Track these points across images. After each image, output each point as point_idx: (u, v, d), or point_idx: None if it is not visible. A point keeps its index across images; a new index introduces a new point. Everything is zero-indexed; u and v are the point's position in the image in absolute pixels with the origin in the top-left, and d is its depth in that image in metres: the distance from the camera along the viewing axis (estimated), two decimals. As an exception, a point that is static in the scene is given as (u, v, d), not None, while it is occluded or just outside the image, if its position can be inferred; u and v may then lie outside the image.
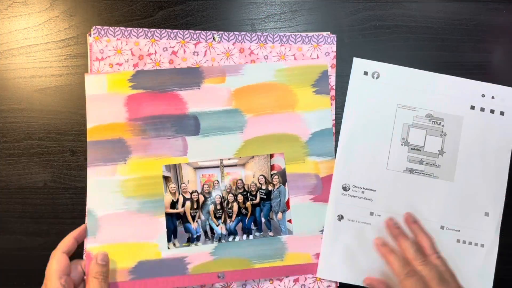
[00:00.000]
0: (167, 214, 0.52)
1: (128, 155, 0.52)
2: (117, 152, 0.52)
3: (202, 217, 0.52)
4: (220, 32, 0.54)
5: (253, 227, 0.53)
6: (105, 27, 0.54)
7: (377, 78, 0.54)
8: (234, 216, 0.53)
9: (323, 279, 0.52)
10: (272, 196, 0.53)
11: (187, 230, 0.52)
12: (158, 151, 0.52)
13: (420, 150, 0.53)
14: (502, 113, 0.54)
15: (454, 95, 0.54)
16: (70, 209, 0.53)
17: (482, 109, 0.54)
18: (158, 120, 0.52)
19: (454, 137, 0.54)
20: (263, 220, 0.53)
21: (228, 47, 0.54)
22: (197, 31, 0.54)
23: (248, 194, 0.53)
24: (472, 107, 0.54)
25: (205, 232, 0.52)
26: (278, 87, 0.53)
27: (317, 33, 0.55)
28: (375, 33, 0.56)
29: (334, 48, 0.55)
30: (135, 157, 0.52)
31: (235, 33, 0.55)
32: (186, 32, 0.54)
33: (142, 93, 0.53)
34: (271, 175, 0.53)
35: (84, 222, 0.52)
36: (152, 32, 0.54)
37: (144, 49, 0.54)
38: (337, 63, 0.55)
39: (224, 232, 0.52)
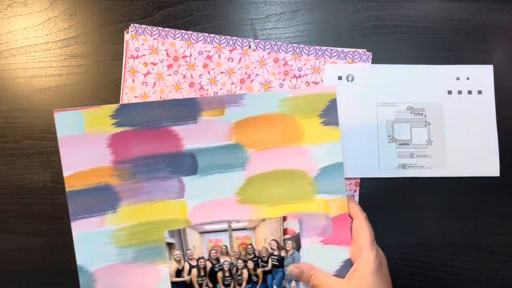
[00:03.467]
0: (173, 283, 0.48)
1: (118, 203, 0.47)
2: (104, 200, 0.46)
3: (210, 285, 0.48)
4: (256, 41, 0.54)
5: None
6: (143, 26, 0.54)
7: (351, 81, 0.54)
8: (244, 283, 0.49)
9: None
10: (285, 262, 0.48)
11: None
12: (151, 195, 0.47)
13: (408, 144, 0.54)
14: (479, 92, 0.54)
15: (430, 84, 0.54)
16: (70, 209, 0.53)
17: (460, 92, 0.54)
18: (150, 160, 0.47)
19: (438, 124, 0.54)
20: None
21: (263, 56, 0.54)
22: (234, 38, 0.54)
23: (259, 260, 0.49)
24: (449, 92, 0.54)
25: None
26: (282, 118, 0.49)
27: (353, 50, 0.55)
28: (375, 33, 0.56)
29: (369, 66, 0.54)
30: (126, 204, 0.47)
31: (271, 42, 0.54)
32: (223, 37, 0.54)
33: (129, 131, 0.47)
34: (284, 240, 0.49)
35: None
36: (189, 35, 0.54)
37: (179, 51, 0.54)
38: (337, 63, 0.55)
39: None
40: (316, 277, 0.46)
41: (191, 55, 0.54)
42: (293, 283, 0.49)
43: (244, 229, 0.49)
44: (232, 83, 0.54)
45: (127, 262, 0.47)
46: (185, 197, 0.48)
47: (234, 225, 0.49)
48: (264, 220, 0.49)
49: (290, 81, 0.55)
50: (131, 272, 0.47)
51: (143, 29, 0.54)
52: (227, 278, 0.49)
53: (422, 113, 0.54)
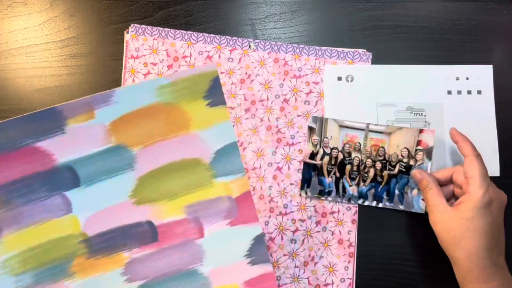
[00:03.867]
0: (305, 163, 0.51)
1: None
2: None
3: (337, 174, 0.52)
4: (256, 41, 0.54)
5: (385, 196, 0.52)
6: (143, 26, 0.54)
7: (351, 81, 0.54)
8: (368, 181, 0.52)
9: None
10: (411, 171, 0.52)
11: (320, 182, 0.52)
12: (34, 218, 0.45)
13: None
14: (479, 92, 0.54)
15: (429, 84, 0.54)
16: (70, 209, 0.53)
17: (459, 92, 0.54)
18: (20, 184, 0.45)
19: (438, 124, 0.54)
20: (396, 192, 0.52)
21: (263, 56, 0.54)
22: (234, 38, 0.54)
23: (387, 163, 0.52)
24: (449, 92, 0.54)
25: (337, 189, 0.52)
26: (164, 107, 0.47)
27: (352, 50, 0.55)
28: (375, 33, 0.56)
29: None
30: (8, 233, 0.45)
31: (271, 42, 0.54)
32: (223, 37, 0.54)
33: None
34: (416, 150, 0.51)
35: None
36: (189, 35, 0.54)
37: (179, 51, 0.54)
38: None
39: (356, 194, 0.52)
40: (430, 190, 0.46)
41: (191, 55, 0.54)
42: (414, 191, 0.51)
43: (381, 132, 0.51)
44: (232, 83, 0.54)
45: (28, 287, 0.45)
46: (74, 211, 0.46)
47: (372, 127, 0.51)
48: (401, 128, 0.50)
49: (290, 81, 0.55)
50: None
51: (143, 29, 0.54)
52: (354, 172, 0.52)
53: (422, 113, 0.54)
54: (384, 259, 0.53)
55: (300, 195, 0.52)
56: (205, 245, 0.47)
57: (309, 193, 0.52)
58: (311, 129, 0.52)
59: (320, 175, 0.52)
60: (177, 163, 0.47)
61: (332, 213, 0.53)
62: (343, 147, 0.53)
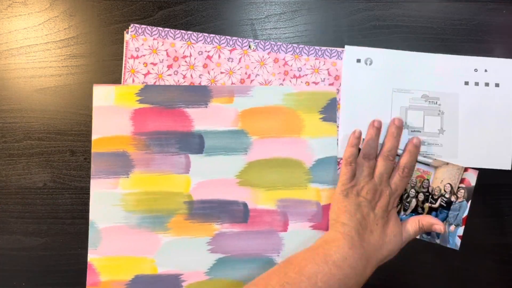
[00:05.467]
0: None
1: (131, 169, 0.52)
2: (120, 165, 0.52)
3: None
4: (256, 41, 0.54)
5: None
6: (143, 26, 0.54)
7: (370, 64, 0.54)
8: (409, 211, 0.53)
9: None
10: (452, 207, 0.53)
11: None
12: (160, 167, 0.52)
13: (420, 132, 0.54)
14: (497, 85, 0.54)
15: (447, 73, 0.54)
16: (70, 209, 0.53)
17: (477, 84, 0.54)
18: (162, 135, 0.52)
19: (452, 114, 0.54)
20: None
21: (263, 56, 0.54)
22: (234, 38, 0.54)
23: (430, 196, 0.53)
24: (466, 83, 0.54)
25: None
26: (285, 111, 0.53)
27: None
28: (375, 33, 0.56)
29: None
30: (138, 172, 0.52)
31: (271, 42, 0.55)
32: (223, 37, 0.54)
33: (149, 108, 0.53)
34: (458, 187, 0.53)
35: (83, 223, 0.53)
36: (189, 35, 0.54)
37: (179, 51, 0.54)
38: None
39: None
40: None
41: (191, 55, 0.54)
42: (452, 227, 0.52)
43: (428, 164, 0.53)
44: (232, 83, 0.54)
45: (131, 227, 0.52)
46: (190, 173, 0.52)
47: (420, 158, 0.53)
48: (447, 164, 0.53)
49: (290, 81, 0.54)
50: (133, 237, 0.51)
51: (143, 29, 0.54)
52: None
53: (436, 102, 0.54)
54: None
55: None
56: (285, 239, 0.52)
57: None
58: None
59: None
60: (283, 160, 0.53)
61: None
62: None
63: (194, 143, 0.53)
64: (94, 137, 0.52)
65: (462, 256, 0.53)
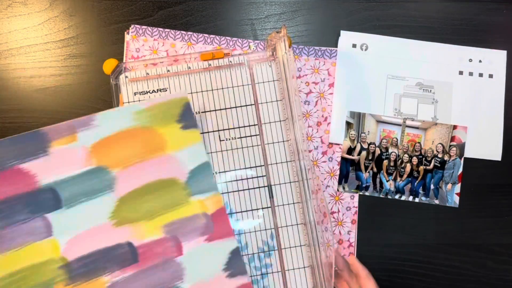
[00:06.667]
0: (343, 158, 0.53)
1: None
2: None
3: (374, 169, 0.54)
4: (256, 41, 0.54)
5: (421, 191, 0.54)
6: (143, 27, 0.54)
7: (365, 50, 0.55)
8: (405, 176, 0.54)
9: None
10: (446, 166, 0.54)
11: (358, 177, 0.54)
12: (15, 241, 0.45)
13: (413, 119, 0.54)
14: (491, 76, 0.55)
15: (442, 62, 0.55)
16: (70, 209, 0.53)
17: (471, 74, 0.55)
18: (3, 206, 0.45)
19: (445, 103, 0.54)
20: (432, 186, 0.54)
21: (263, 55, 0.54)
22: (234, 39, 0.54)
23: (423, 158, 0.54)
24: (461, 73, 0.55)
25: (374, 184, 0.54)
26: (141, 131, 0.48)
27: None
28: (375, 33, 0.56)
29: None
30: None
31: None
32: (223, 38, 0.54)
33: None
34: (450, 146, 0.53)
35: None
36: (189, 36, 0.54)
37: (180, 52, 0.54)
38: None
39: (392, 188, 0.53)
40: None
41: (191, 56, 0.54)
42: (449, 186, 0.53)
43: (417, 128, 0.53)
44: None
45: None
46: (54, 234, 0.46)
47: (408, 122, 0.53)
48: (436, 124, 0.53)
49: (290, 81, 0.54)
50: None
51: (144, 30, 0.54)
52: (391, 167, 0.54)
53: (431, 90, 0.55)
54: (384, 259, 0.53)
55: (338, 190, 0.53)
56: (184, 262, 0.47)
57: (346, 188, 0.53)
58: (348, 124, 0.53)
59: (358, 170, 0.54)
60: (155, 183, 0.48)
61: (332, 213, 0.53)
62: (380, 142, 0.54)
63: (47, 199, 0.45)
64: None
65: (462, 256, 0.54)
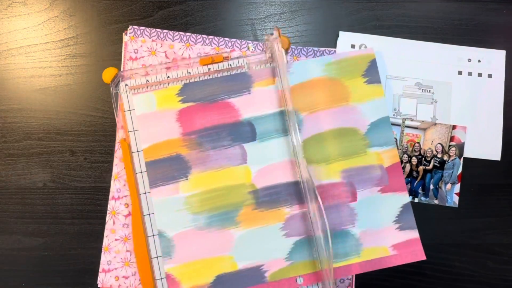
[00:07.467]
0: None
1: (189, 171, 0.51)
2: (176, 169, 0.51)
3: None
4: (255, 42, 0.54)
5: (420, 191, 0.54)
6: (141, 27, 0.54)
7: None
8: (404, 176, 0.53)
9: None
10: (445, 166, 0.54)
11: None
12: (218, 163, 0.51)
13: (412, 120, 0.54)
14: (490, 76, 0.55)
15: (441, 62, 0.55)
16: (70, 209, 0.53)
17: (470, 74, 0.55)
18: (213, 131, 0.52)
19: (444, 103, 0.55)
20: (431, 187, 0.54)
21: (262, 57, 0.54)
22: (232, 39, 0.54)
23: (423, 159, 0.54)
24: (460, 72, 0.55)
25: None
26: (329, 81, 0.53)
27: (353, 50, 0.55)
28: (375, 33, 0.56)
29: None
30: (196, 172, 0.51)
31: None
32: (222, 39, 0.54)
33: (193, 106, 0.52)
34: (449, 146, 0.54)
35: (83, 223, 0.53)
36: (187, 36, 0.54)
37: (178, 53, 0.54)
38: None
39: None
40: None
41: (189, 57, 0.54)
42: (448, 186, 0.53)
43: (416, 128, 0.54)
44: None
45: (201, 228, 0.50)
46: (248, 162, 0.51)
47: (408, 122, 0.54)
48: (435, 124, 0.54)
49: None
50: (205, 238, 0.50)
51: (142, 30, 0.54)
52: None
53: (430, 90, 0.55)
54: (384, 259, 0.53)
55: None
56: (357, 208, 0.51)
57: None
58: None
59: None
60: (337, 130, 0.52)
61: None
62: None
63: (245, 132, 0.52)
64: (144, 146, 0.51)
65: (462, 256, 0.54)
